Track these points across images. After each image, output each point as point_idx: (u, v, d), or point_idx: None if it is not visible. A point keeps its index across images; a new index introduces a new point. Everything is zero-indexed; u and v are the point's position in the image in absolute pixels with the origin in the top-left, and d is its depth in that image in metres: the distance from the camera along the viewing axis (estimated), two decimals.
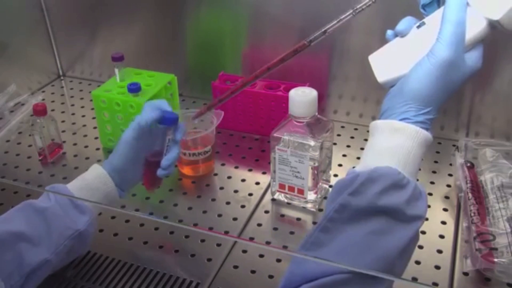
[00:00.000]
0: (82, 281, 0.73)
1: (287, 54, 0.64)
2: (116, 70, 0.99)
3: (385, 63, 0.59)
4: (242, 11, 1.06)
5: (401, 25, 0.58)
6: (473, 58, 0.55)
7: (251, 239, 0.80)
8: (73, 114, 1.15)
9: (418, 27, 0.57)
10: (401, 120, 0.55)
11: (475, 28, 0.54)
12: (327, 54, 1.03)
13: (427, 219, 0.82)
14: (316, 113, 0.80)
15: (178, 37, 1.14)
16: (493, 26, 0.54)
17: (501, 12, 0.52)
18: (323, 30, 0.62)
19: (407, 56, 0.57)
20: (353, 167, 0.57)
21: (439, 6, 0.58)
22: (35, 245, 0.65)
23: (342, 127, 1.07)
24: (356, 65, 1.01)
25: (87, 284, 0.73)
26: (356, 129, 1.06)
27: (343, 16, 0.61)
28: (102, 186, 0.73)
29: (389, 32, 0.60)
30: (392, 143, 0.55)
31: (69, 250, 0.69)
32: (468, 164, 0.86)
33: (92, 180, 0.73)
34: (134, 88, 0.92)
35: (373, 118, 1.04)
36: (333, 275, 0.49)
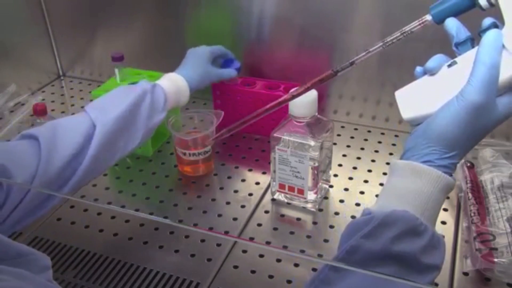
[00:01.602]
0: (82, 281, 0.73)
1: (313, 83, 0.62)
2: (116, 70, 0.99)
3: (412, 100, 0.57)
4: (242, 11, 1.06)
5: (431, 63, 0.55)
6: (505, 103, 0.51)
7: (251, 239, 0.80)
8: (73, 114, 1.15)
9: (449, 66, 0.55)
10: (423, 162, 0.52)
11: (509, 71, 0.51)
12: (327, 54, 1.03)
13: None
14: (316, 113, 0.80)
15: (178, 37, 1.14)
16: None
17: None
18: (350, 61, 0.60)
19: (435, 96, 0.54)
20: (368, 208, 0.55)
21: (472, 46, 0.54)
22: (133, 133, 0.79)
23: (342, 127, 1.07)
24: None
25: (87, 284, 0.73)
26: (356, 129, 1.06)
27: (372, 49, 0.59)
28: (181, 95, 0.89)
29: (418, 69, 0.57)
30: (412, 186, 0.52)
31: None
32: (468, 164, 0.86)
33: (178, 89, 0.89)
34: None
35: (373, 118, 1.05)
36: None
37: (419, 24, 0.56)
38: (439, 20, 0.55)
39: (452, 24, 0.54)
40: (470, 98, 0.50)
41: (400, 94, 0.58)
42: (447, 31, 0.55)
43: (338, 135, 1.04)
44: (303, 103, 0.77)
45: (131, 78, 1.00)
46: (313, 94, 0.78)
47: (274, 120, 0.99)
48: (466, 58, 0.54)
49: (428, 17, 0.56)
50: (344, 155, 0.98)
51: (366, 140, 1.02)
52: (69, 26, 1.24)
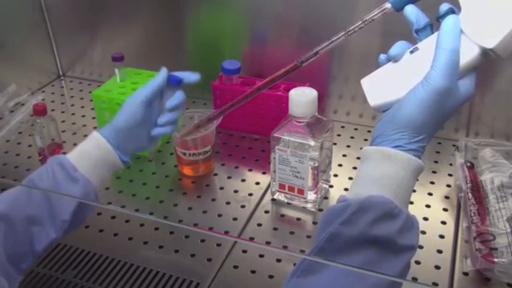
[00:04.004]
0: (82, 281, 0.73)
1: (278, 75, 0.66)
2: (116, 70, 0.99)
3: (378, 87, 0.59)
4: (242, 11, 1.06)
5: (394, 50, 0.57)
6: (466, 86, 0.54)
7: (251, 239, 0.80)
8: (73, 114, 1.15)
9: (411, 52, 0.57)
10: (393, 147, 0.54)
11: (468, 55, 0.54)
12: (327, 54, 1.02)
13: (427, 219, 0.82)
14: (316, 113, 0.80)
15: (178, 37, 1.14)
16: (486, 54, 0.53)
17: (495, 41, 0.52)
18: (314, 51, 0.63)
19: (400, 81, 0.56)
20: (343, 194, 0.56)
21: (432, 32, 0.57)
22: (42, 226, 0.65)
23: (342, 127, 1.07)
24: (356, 65, 1.01)
25: (87, 284, 0.73)
26: (356, 129, 1.06)
27: (335, 38, 0.62)
28: (100, 153, 0.71)
29: (382, 57, 0.59)
30: (384, 171, 0.54)
31: (71, 225, 0.68)
32: (468, 164, 0.86)
33: (88, 147, 0.71)
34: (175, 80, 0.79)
35: (373, 118, 1.05)
36: None
37: (380, 12, 0.59)
38: (399, 7, 0.58)
39: (411, 11, 0.57)
40: (435, 83, 0.52)
41: (366, 82, 0.60)
42: (406, 18, 0.58)
43: (338, 135, 1.04)
44: (303, 103, 0.77)
45: (131, 78, 1.00)
46: (313, 94, 0.78)
47: (274, 120, 0.99)
48: (427, 44, 0.56)
49: (388, 5, 0.59)
50: (344, 155, 0.98)
51: (366, 140, 1.02)
52: (69, 26, 1.24)
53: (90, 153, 0.71)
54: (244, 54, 1.09)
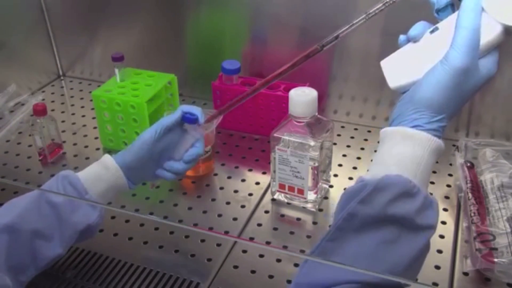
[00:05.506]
0: (82, 281, 0.73)
1: (299, 59, 0.63)
2: (116, 70, 0.99)
3: (397, 68, 0.58)
4: (242, 11, 1.06)
5: (414, 30, 0.57)
6: (487, 65, 0.53)
7: (251, 239, 0.80)
8: (73, 114, 1.15)
9: (431, 32, 0.56)
10: (412, 127, 0.53)
11: (489, 34, 0.52)
12: (327, 54, 1.03)
13: None
14: (316, 113, 0.80)
15: (178, 37, 1.14)
16: (509, 32, 0.53)
17: None
18: (335, 35, 0.61)
19: (419, 62, 0.56)
20: (362, 175, 0.56)
21: (453, 11, 0.56)
22: (49, 240, 0.66)
23: (342, 127, 1.07)
24: (356, 65, 1.01)
25: (87, 284, 0.73)
26: (356, 129, 1.06)
27: (356, 21, 0.60)
28: (112, 178, 0.72)
29: (402, 37, 0.58)
30: (403, 151, 0.53)
31: (78, 239, 0.70)
32: (468, 164, 0.86)
33: (100, 170, 0.72)
34: (191, 119, 0.77)
35: (373, 118, 1.05)
36: (341, 284, 0.48)
37: None
38: None
39: None
40: (454, 62, 0.51)
41: (386, 63, 0.59)
42: None
43: (338, 135, 1.04)
44: (303, 103, 0.77)
45: (131, 78, 1.00)
46: (313, 94, 0.78)
47: (274, 120, 0.99)
48: (447, 23, 0.55)
49: None
50: (344, 155, 0.98)
51: (366, 140, 1.02)
52: (69, 26, 1.24)
53: (101, 176, 0.72)
54: (244, 54, 1.09)
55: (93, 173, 0.72)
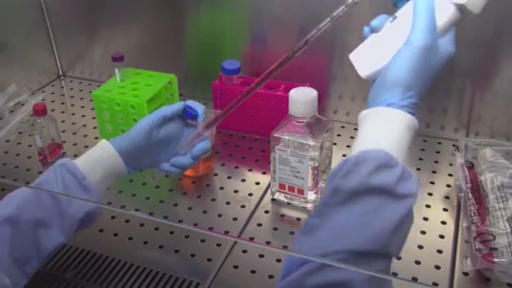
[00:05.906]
0: (82, 281, 0.73)
1: (273, 68, 0.70)
2: (116, 70, 0.99)
3: (365, 58, 0.63)
4: (242, 11, 1.06)
5: (375, 21, 0.63)
6: (446, 43, 0.59)
7: (251, 239, 0.80)
8: (73, 114, 1.15)
9: (391, 21, 0.61)
10: (386, 106, 0.57)
11: (444, 14, 0.58)
12: (327, 54, 1.03)
13: (427, 219, 0.82)
14: (316, 113, 0.80)
15: (178, 37, 1.14)
16: (461, 10, 0.58)
17: None
18: (305, 40, 0.66)
19: (384, 49, 0.60)
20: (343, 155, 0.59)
21: (407, 0, 0.62)
22: (50, 229, 0.66)
23: (342, 127, 1.07)
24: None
25: (87, 284, 0.73)
26: (356, 129, 1.05)
27: (322, 25, 0.65)
28: (110, 164, 0.72)
29: (366, 29, 0.64)
30: (379, 128, 0.57)
31: (79, 227, 0.70)
32: (468, 164, 0.86)
33: (98, 155, 0.72)
34: (191, 115, 0.77)
35: None
36: (328, 256, 0.50)
37: None
38: None
39: None
40: (416, 43, 0.57)
41: (354, 56, 0.65)
42: None
43: (338, 135, 1.04)
44: (303, 103, 0.77)
45: (131, 78, 1.00)
46: (313, 94, 0.78)
47: (274, 120, 0.99)
48: (404, 11, 0.61)
49: None
50: (344, 155, 0.98)
51: None
52: (69, 26, 1.24)
53: (99, 161, 0.71)
54: (244, 54, 1.09)
55: (91, 159, 0.71)
